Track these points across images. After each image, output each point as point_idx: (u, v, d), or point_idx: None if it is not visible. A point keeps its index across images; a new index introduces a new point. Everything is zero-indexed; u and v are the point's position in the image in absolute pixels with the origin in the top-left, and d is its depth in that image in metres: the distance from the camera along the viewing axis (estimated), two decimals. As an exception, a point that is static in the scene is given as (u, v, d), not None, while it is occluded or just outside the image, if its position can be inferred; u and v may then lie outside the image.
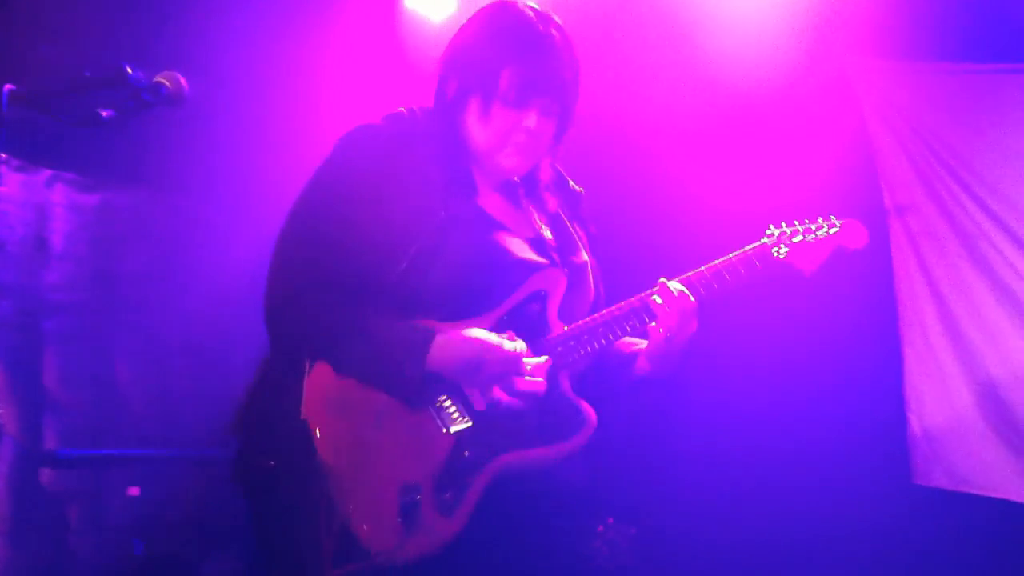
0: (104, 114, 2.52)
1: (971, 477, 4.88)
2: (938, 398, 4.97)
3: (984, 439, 4.85)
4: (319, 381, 2.53)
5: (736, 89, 4.94)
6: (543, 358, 2.58)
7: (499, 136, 2.65)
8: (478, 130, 2.66)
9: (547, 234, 2.76)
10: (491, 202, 2.72)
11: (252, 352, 2.70)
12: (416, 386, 2.50)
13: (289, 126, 4.66)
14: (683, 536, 4.91)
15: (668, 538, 4.90)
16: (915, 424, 5.01)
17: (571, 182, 2.89)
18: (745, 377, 5.05)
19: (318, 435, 2.49)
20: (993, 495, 4.82)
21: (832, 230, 2.70)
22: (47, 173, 4.63)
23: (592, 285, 2.80)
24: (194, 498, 4.36)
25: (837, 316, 5.02)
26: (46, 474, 4.39)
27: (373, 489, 2.48)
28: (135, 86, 2.54)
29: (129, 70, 2.52)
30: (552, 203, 2.82)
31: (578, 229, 2.85)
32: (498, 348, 2.53)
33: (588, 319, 2.65)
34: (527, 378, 2.54)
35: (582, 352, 2.63)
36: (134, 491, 4.40)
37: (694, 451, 5.07)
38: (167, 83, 2.56)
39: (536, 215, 2.78)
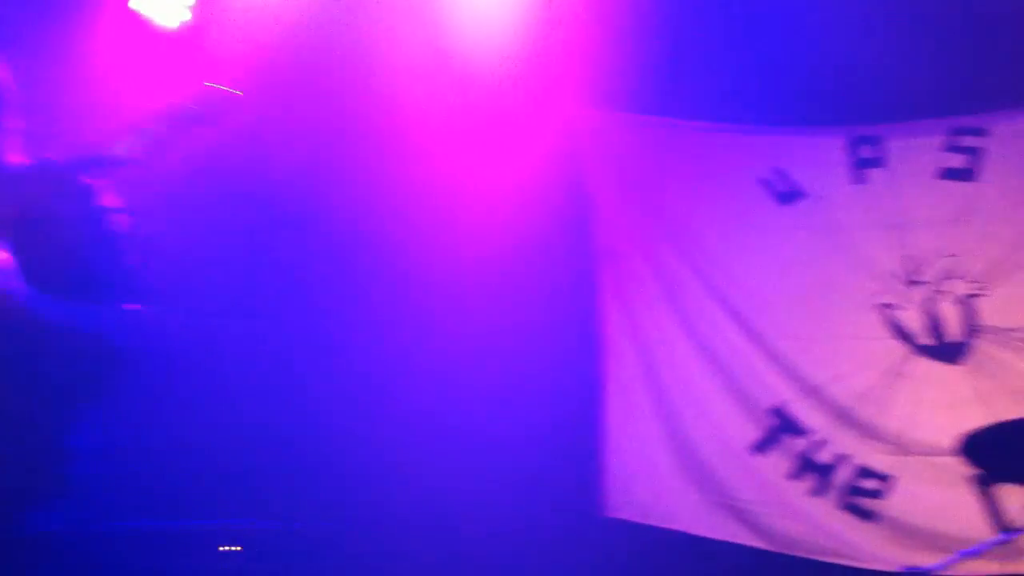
0: None
1: (658, 511, 5.17)
2: (632, 435, 5.23)
3: (672, 476, 5.15)
4: None
5: (465, 124, 5.10)
6: None
7: None
8: None
9: None
10: None
11: None
12: None
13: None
14: (369, 553, 4.95)
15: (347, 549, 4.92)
16: (610, 459, 5.26)
17: None
18: (449, 404, 5.19)
19: None
20: (677, 528, 5.12)
21: None
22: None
23: None
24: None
25: (544, 352, 5.23)
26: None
27: None
28: None
29: None
30: None
31: None
32: None
33: None
34: None
35: None
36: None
37: (387, 474, 5.14)
38: None
39: None
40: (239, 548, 4.63)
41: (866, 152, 5.07)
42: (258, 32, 4.93)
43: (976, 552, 3.68)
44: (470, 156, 5.21)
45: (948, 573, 3.67)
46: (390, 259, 5.31)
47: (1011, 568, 4.14)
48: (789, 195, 5.17)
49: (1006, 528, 4.23)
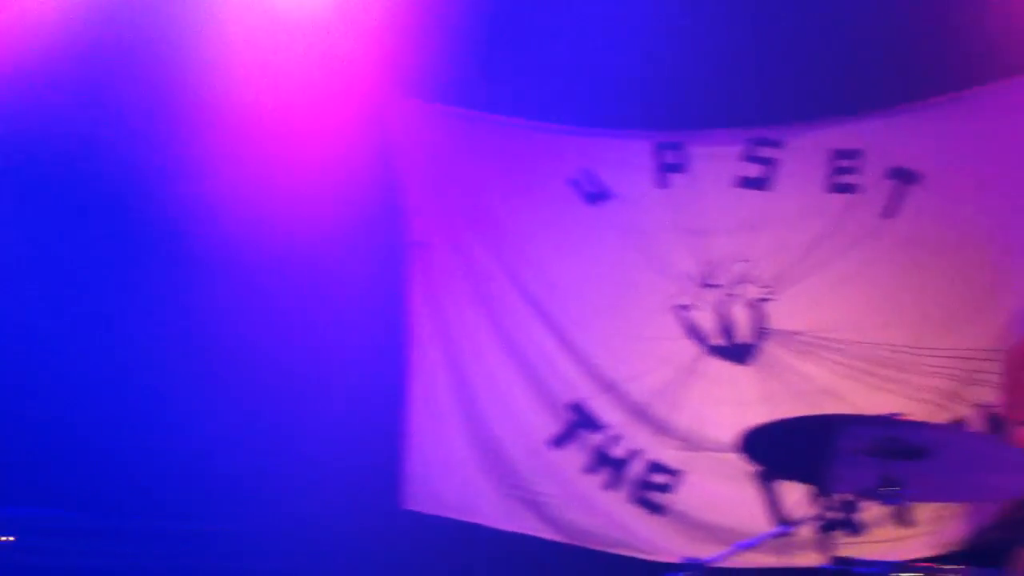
0: None
1: (457, 503, 5.20)
2: (434, 427, 5.25)
3: (472, 469, 5.19)
4: None
5: (276, 108, 5.02)
6: None
7: None
8: None
9: None
10: None
11: None
12: None
13: None
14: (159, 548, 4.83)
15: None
16: (412, 451, 5.25)
17: None
18: (249, 394, 5.12)
19: None
20: (475, 520, 5.17)
21: None
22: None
23: None
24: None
25: (349, 343, 5.19)
26: None
27: None
28: None
29: None
30: None
31: None
32: None
33: None
34: None
35: None
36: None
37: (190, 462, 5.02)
38: None
39: None
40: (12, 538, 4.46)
41: (670, 158, 5.23)
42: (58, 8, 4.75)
43: (752, 544, 3.85)
44: (281, 141, 5.14)
45: (726, 565, 3.82)
46: (191, 248, 5.19)
47: (786, 560, 4.36)
48: (596, 196, 5.28)
49: (783, 521, 4.46)
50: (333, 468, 5.04)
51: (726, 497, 4.88)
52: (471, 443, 5.21)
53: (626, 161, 5.28)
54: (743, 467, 4.41)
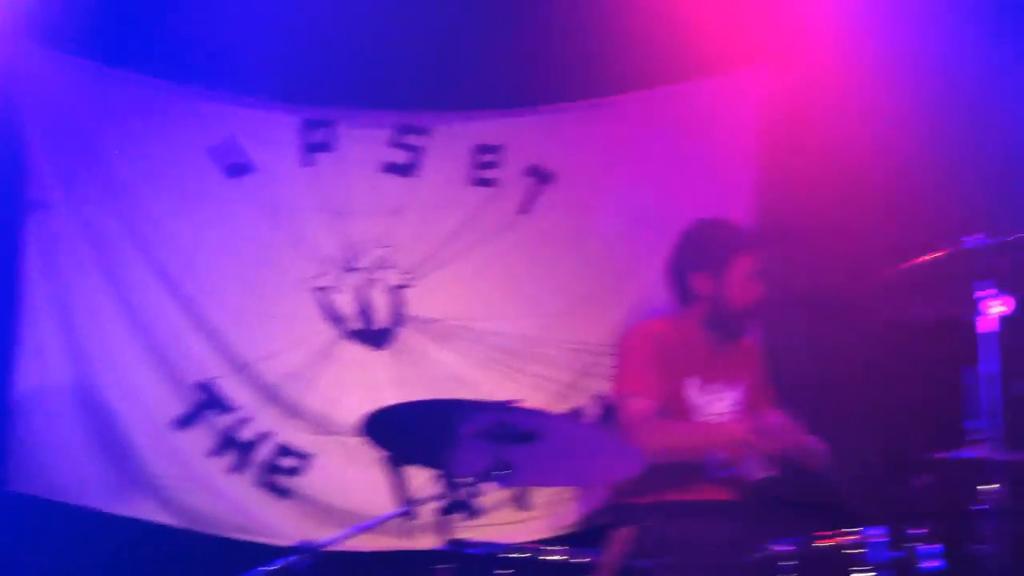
0: None
1: (67, 485, 4.83)
2: (44, 405, 4.84)
3: (83, 449, 4.84)
4: None
5: None
6: None
7: None
8: None
9: None
10: None
11: None
12: None
13: None
14: None
15: None
16: (17, 429, 4.82)
17: None
18: None
19: None
20: (87, 504, 4.82)
21: None
22: None
23: None
24: None
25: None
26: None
27: None
28: None
29: None
30: None
31: None
32: None
33: None
34: None
35: None
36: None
37: None
38: None
39: None
40: None
41: (317, 136, 5.13)
42: None
43: (369, 526, 3.83)
44: None
45: (344, 548, 3.78)
46: None
47: (406, 543, 4.40)
48: (238, 168, 5.08)
49: (407, 503, 4.49)
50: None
51: (355, 481, 4.85)
52: (86, 421, 4.85)
53: (272, 135, 5.11)
54: (372, 450, 4.41)
